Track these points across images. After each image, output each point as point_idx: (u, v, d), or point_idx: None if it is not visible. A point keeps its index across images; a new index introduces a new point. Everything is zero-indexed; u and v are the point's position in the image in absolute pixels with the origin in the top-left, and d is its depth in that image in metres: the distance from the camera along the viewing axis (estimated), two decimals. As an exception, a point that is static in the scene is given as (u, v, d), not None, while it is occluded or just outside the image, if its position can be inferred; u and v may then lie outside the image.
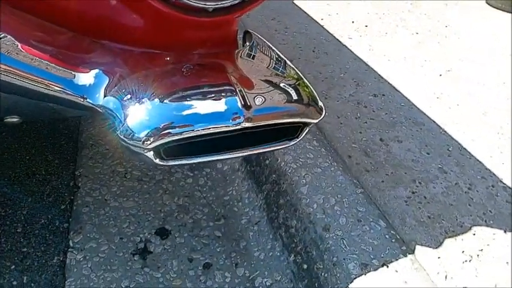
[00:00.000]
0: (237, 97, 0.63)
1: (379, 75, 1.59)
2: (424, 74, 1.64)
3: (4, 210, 1.11)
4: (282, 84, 0.71)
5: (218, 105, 0.62)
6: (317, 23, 2.01)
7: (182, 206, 1.19)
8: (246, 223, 1.16)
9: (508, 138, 1.31)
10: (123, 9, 0.69)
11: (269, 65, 0.77)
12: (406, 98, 1.46)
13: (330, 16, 2.09)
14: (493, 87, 1.60)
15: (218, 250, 1.08)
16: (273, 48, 0.83)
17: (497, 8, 2.42)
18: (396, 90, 1.51)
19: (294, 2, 2.19)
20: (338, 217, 0.98)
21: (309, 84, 0.72)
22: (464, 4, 2.44)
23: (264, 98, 0.67)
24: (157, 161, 0.61)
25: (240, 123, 0.61)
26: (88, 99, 0.61)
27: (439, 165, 1.17)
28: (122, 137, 0.61)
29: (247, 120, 0.61)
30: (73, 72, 0.62)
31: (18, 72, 0.60)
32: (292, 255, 1.01)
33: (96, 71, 0.64)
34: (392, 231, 0.95)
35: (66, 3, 0.68)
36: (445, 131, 1.31)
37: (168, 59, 0.71)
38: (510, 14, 2.34)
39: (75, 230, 1.08)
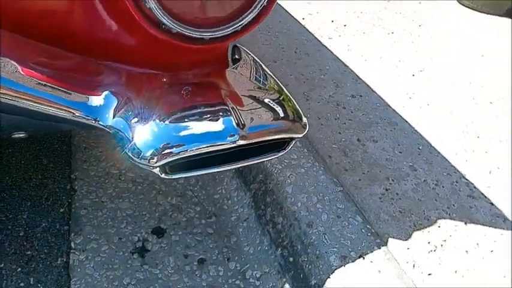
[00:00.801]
0: (231, 117, 0.71)
1: (357, 75, 1.70)
2: (398, 74, 1.75)
3: (5, 215, 1.16)
4: (269, 102, 0.79)
5: (215, 125, 0.70)
6: (298, 22, 2.08)
7: (175, 205, 1.27)
8: (235, 220, 1.25)
9: (472, 136, 1.44)
10: (124, 33, 0.75)
11: (256, 81, 0.85)
12: (382, 98, 1.57)
13: (311, 15, 2.17)
14: (460, 87, 1.73)
15: (211, 246, 1.17)
16: (259, 62, 0.91)
17: (469, 8, 2.55)
18: (373, 90, 1.61)
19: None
20: (320, 214, 1.09)
21: (294, 100, 0.81)
22: (437, 3, 2.56)
23: (256, 116, 0.75)
24: (162, 175, 0.69)
25: (235, 141, 0.69)
26: (100, 121, 0.68)
27: (410, 163, 1.29)
28: (129, 155, 0.68)
29: (242, 138, 0.70)
30: (87, 96, 0.68)
31: (34, 98, 0.66)
32: (279, 249, 1.11)
33: (106, 92, 0.70)
34: (368, 226, 1.07)
35: (73, 27, 0.74)
36: (416, 131, 1.43)
37: (164, 79, 0.78)
38: (481, 14, 2.48)
39: (76, 231, 1.14)
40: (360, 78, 1.68)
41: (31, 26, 0.72)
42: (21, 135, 0.83)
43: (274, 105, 0.79)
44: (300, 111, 0.82)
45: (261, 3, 0.68)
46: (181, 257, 1.13)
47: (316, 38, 1.95)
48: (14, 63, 0.67)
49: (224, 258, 1.15)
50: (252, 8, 0.68)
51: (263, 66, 0.90)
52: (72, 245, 1.11)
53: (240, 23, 0.69)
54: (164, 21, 0.64)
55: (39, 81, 0.66)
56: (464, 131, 1.46)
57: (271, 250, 1.14)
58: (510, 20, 2.43)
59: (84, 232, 1.15)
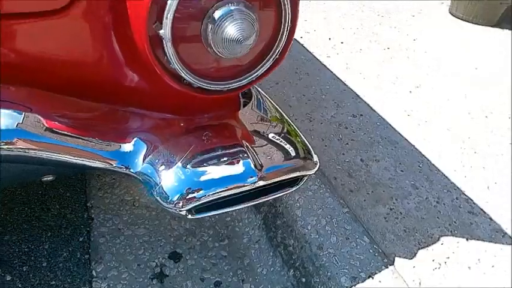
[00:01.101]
0: (249, 159, 0.77)
1: (357, 94, 1.76)
2: (395, 91, 1.82)
3: (27, 246, 1.21)
4: (282, 140, 0.85)
5: (235, 169, 0.76)
6: (297, 41, 2.15)
7: (189, 229, 1.33)
8: (247, 242, 1.31)
9: (469, 152, 1.51)
10: (147, 84, 0.81)
11: (267, 119, 0.91)
12: (381, 116, 1.64)
13: (309, 33, 2.24)
14: (456, 101, 1.80)
15: (225, 268, 1.23)
16: (267, 98, 0.97)
17: (459, 18, 2.63)
18: (372, 109, 1.68)
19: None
20: (329, 236, 1.14)
21: (305, 139, 0.87)
22: (429, 14, 2.64)
23: (271, 156, 0.81)
24: (188, 216, 0.75)
25: (254, 182, 0.75)
26: (131, 169, 0.73)
27: (412, 182, 1.35)
28: (158, 199, 0.74)
29: (261, 179, 0.75)
30: (120, 144, 0.74)
31: (73, 152, 0.72)
32: (292, 270, 1.17)
33: (135, 139, 0.76)
34: (375, 246, 1.13)
35: (99, 78, 0.79)
36: (416, 148, 1.49)
37: (182, 124, 0.84)
38: (472, 24, 2.56)
39: (96, 260, 1.20)
40: (359, 97, 1.74)
41: (58, 79, 0.78)
42: (50, 178, 0.89)
43: (286, 144, 0.85)
44: (310, 147, 0.88)
45: (273, 56, 0.74)
46: (198, 280, 1.19)
47: (315, 57, 2.02)
48: (45, 118, 0.73)
49: (239, 280, 1.20)
50: (265, 61, 0.74)
51: (271, 101, 0.97)
52: (94, 273, 1.16)
53: (254, 75, 0.75)
54: (186, 78, 0.70)
55: (76, 135, 0.72)
56: (461, 146, 1.52)
57: (283, 271, 1.19)
58: (500, 30, 2.51)
59: (104, 260, 1.20)
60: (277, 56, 0.74)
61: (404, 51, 2.16)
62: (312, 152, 0.86)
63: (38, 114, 0.72)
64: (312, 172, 0.83)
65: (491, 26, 2.54)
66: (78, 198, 1.38)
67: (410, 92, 1.82)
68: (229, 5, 0.63)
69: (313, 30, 2.28)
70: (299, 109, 1.63)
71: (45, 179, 0.88)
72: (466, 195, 1.32)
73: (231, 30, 0.63)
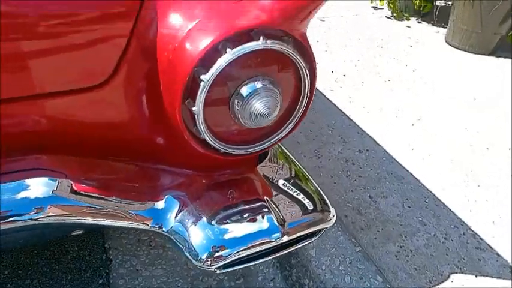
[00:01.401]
0: (271, 215, 0.82)
1: (361, 129, 1.82)
2: (398, 124, 1.88)
3: (49, 291, 1.24)
4: (300, 195, 0.90)
5: (259, 225, 0.80)
6: (301, 74, 2.22)
7: (205, 269, 1.36)
8: (262, 280, 1.34)
9: (472, 185, 1.56)
10: (176, 146, 0.86)
11: (285, 173, 0.96)
12: (386, 151, 1.70)
13: (312, 67, 2.31)
14: (457, 134, 1.86)
15: (242, 308, 1.26)
16: (282, 147, 1.02)
17: (455, 47, 2.73)
18: (377, 143, 1.74)
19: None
20: (343, 276, 1.18)
21: (321, 192, 0.92)
22: (426, 43, 2.74)
23: (291, 210, 0.86)
24: (217, 271, 0.79)
25: (278, 238, 0.80)
26: (163, 228, 0.78)
27: (420, 218, 1.40)
28: (188, 256, 0.78)
29: (284, 235, 0.80)
30: (153, 202, 0.78)
31: (104, 212, 0.77)
32: (307, 310, 1.21)
33: (167, 196, 0.81)
34: (388, 285, 1.16)
35: (131, 140, 0.84)
36: (422, 183, 1.55)
37: (204, 181, 0.89)
38: (469, 53, 2.65)
39: (117, 303, 1.23)
40: (364, 132, 1.81)
41: (93, 143, 0.83)
42: (79, 232, 0.93)
43: (303, 197, 0.90)
44: (326, 199, 0.93)
45: (293, 120, 0.79)
46: (216, 321, 1.22)
47: (319, 91, 2.09)
48: (78, 182, 0.77)
49: (255, 320, 1.24)
50: (286, 125, 0.80)
51: (285, 150, 1.02)
52: (115, 317, 1.19)
53: (276, 138, 0.81)
54: (214, 145, 0.76)
55: (112, 197, 0.77)
56: (465, 180, 1.58)
57: (299, 311, 1.23)
58: (495, 58, 2.60)
59: (124, 303, 1.23)
60: (297, 120, 0.80)
61: (405, 82, 2.24)
62: (329, 204, 0.91)
63: (71, 179, 0.77)
64: (330, 225, 0.87)
65: (487, 55, 2.63)
66: (96, 240, 1.42)
67: (412, 124, 1.88)
68: (256, 82, 0.69)
69: (316, 63, 2.35)
70: (307, 146, 1.69)
71: (74, 233, 0.93)
72: (472, 231, 1.37)
73: (258, 106, 0.68)
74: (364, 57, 2.47)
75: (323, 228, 0.89)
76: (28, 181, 0.71)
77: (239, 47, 0.64)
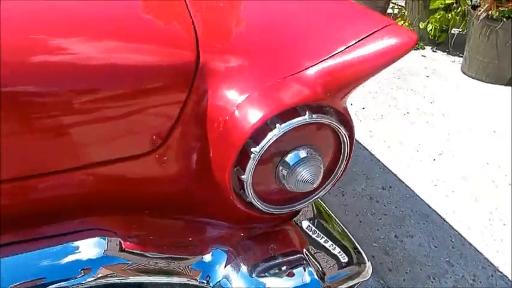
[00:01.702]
0: (311, 268, 0.85)
1: (383, 164, 1.86)
2: (419, 159, 1.91)
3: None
4: (335, 246, 0.94)
5: (301, 280, 0.84)
6: (320, 108, 2.28)
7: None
8: (291, 321, 1.36)
9: (497, 223, 1.57)
10: (219, 203, 0.90)
11: (319, 223, 1.00)
12: (409, 188, 1.72)
13: (331, 100, 2.37)
14: (479, 169, 1.88)
15: None
16: (320, 202, 1.06)
17: (472, 77, 2.76)
18: (400, 180, 1.76)
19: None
20: (374, 320, 1.20)
21: (357, 244, 0.95)
22: (442, 74, 2.78)
23: (328, 263, 0.89)
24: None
25: (319, 294, 0.83)
26: (210, 283, 0.82)
27: (447, 259, 1.41)
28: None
29: (324, 290, 0.83)
30: (202, 256, 0.82)
31: (153, 269, 0.81)
32: None
33: (214, 249, 0.85)
34: (419, 330, 1.18)
35: (179, 198, 0.89)
36: (446, 221, 1.56)
37: (242, 234, 0.93)
38: (485, 83, 2.68)
39: None
40: (387, 167, 1.84)
41: (137, 201, 0.88)
42: None
43: (339, 249, 0.93)
44: (361, 250, 0.96)
45: (332, 181, 0.84)
46: None
47: (339, 124, 2.13)
48: (127, 241, 0.81)
49: None
50: (326, 185, 0.84)
51: (322, 204, 1.06)
52: None
53: (316, 197, 0.85)
54: (259, 206, 0.80)
55: (161, 253, 0.81)
56: (490, 218, 1.59)
57: None
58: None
59: None
60: (337, 180, 0.85)
61: (423, 115, 2.27)
62: (364, 256, 0.94)
63: (121, 238, 0.81)
64: (367, 278, 0.90)
65: (504, 85, 2.66)
66: None
67: (434, 160, 1.91)
68: (300, 151, 0.74)
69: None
70: (330, 182, 1.72)
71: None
72: (500, 272, 1.37)
73: (303, 174, 0.73)
74: (383, 89, 2.52)
75: (360, 282, 0.91)
76: (79, 242, 0.74)
77: (287, 123, 0.69)
